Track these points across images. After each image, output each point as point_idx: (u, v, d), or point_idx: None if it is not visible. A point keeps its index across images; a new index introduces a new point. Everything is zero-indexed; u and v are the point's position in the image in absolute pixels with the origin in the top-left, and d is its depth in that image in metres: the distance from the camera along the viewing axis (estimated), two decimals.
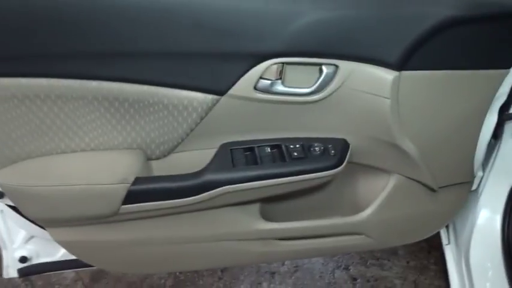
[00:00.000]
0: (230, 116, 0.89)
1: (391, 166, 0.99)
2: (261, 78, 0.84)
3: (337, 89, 0.86)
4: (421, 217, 1.11)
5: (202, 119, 0.88)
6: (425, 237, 1.16)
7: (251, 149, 0.92)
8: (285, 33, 0.81)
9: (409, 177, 1.00)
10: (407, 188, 1.02)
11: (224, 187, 0.87)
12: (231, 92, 0.85)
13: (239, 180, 0.87)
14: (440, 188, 1.03)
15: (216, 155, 0.91)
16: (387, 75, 0.84)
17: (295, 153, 0.90)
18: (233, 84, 0.84)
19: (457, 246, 1.22)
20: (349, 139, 0.94)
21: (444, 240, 1.31)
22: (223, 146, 0.93)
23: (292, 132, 0.94)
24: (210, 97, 0.86)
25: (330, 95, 0.87)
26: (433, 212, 1.12)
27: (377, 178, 1.03)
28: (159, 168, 0.95)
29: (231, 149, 0.92)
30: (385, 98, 0.85)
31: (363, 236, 1.07)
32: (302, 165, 0.89)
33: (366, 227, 1.05)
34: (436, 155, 0.97)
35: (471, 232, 1.11)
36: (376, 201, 1.02)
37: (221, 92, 0.85)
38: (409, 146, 0.92)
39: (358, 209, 1.04)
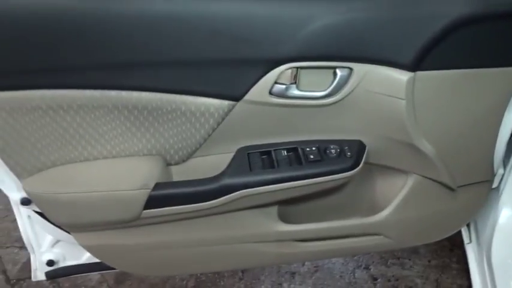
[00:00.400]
0: (246, 121, 0.90)
1: (409, 166, 0.99)
2: (275, 83, 0.85)
3: (352, 91, 0.87)
4: (440, 217, 1.10)
5: (219, 124, 0.90)
6: (444, 237, 1.15)
7: (268, 153, 0.93)
8: (299, 38, 0.81)
9: (427, 177, 0.99)
10: (426, 187, 1.01)
11: (242, 191, 0.88)
12: (246, 97, 0.86)
13: (256, 183, 0.88)
14: (459, 187, 1.02)
15: (233, 159, 0.93)
16: (402, 76, 0.84)
17: (312, 156, 0.90)
18: (249, 89, 0.85)
19: (478, 245, 1.21)
20: (365, 140, 0.94)
21: (465, 239, 1.29)
22: (240, 151, 0.94)
23: (308, 135, 0.94)
24: (226, 103, 0.87)
25: (344, 97, 0.87)
26: (453, 212, 1.10)
27: (394, 178, 1.03)
28: (178, 173, 0.97)
29: (248, 153, 0.93)
30: (400, 99, 0.85)
31: (382, 236, 1.07)
32: (319, 168, 0.90)
33: (384, 227, 1.05)
34: (454, 154, 0.96)
35: (493, 231, 1.09)
36: (394, 201, 1.02)
37: (237, 98, 0.87)
38: (426, 146, 0.91)
39: (376, 210, 1.04)
